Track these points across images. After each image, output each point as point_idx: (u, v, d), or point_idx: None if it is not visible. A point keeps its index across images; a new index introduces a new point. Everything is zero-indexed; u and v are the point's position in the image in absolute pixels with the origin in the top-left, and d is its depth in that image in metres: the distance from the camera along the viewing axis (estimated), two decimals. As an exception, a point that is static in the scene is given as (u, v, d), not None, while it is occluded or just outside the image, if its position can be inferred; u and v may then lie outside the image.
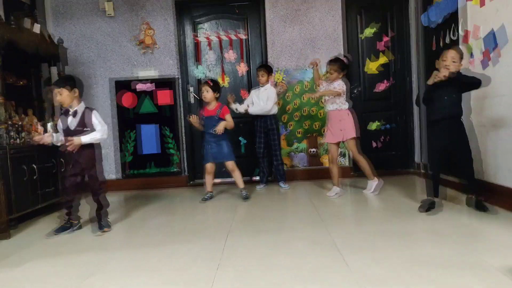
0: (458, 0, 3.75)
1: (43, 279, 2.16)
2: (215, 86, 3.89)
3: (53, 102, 3.03)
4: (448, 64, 2.96)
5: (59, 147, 3.09)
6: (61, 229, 3.04)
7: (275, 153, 4.46)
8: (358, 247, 2.36)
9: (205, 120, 3.87)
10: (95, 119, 3.00)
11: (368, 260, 2.13)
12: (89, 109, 3.05)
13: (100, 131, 2.99)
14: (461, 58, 3.03)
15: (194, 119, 3.88)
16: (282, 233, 2.76)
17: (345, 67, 3.87)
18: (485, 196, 3.05)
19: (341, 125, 3.82)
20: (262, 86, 4.37)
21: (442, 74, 2.92)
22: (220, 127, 3.77)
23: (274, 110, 4.40)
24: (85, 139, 2.93)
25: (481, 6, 3.37)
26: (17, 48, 3.42)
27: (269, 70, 4.39)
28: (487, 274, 1.87)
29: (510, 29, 3.00)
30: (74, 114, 2.99)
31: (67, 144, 2.90)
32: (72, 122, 2.99)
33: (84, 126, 2.98)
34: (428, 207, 3.04)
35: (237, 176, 3.96)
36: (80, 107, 3.01)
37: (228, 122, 3.85)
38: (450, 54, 2.98)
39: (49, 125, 4.10)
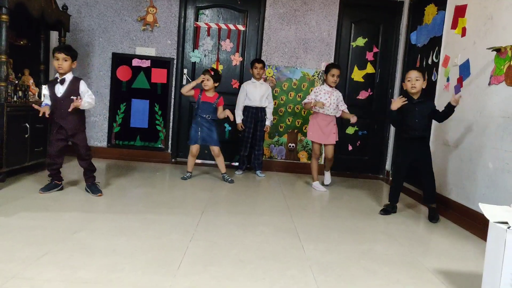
0: (443, 26, 4.04)
1: (32, 229, 2.38)
2: (216, 75, 4.14)
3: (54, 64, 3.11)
4: (414, 83, 3.29)
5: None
6: (46, 188, 3.24)
7: (259, 143, 4.75)
8: (316, 237, 2.66)
9: (201, 104, 4.09)
10: (83, 87, 3.15)
11: (322, 249, 2.44)
12: (76, 78, 3.19)
13: (90, 98, 3.14)
14: (423, 76, 3.39)
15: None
16: (251, 216, 3.04)
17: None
18: (437, 209, 3.40)
19: (335, 128, 4.25)
20: (257, 81, 4.65)
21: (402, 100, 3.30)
22: (228, 113, 4.05)
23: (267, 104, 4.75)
24: (85, 104, 3.09)
25: (462, 36, 3.67)
26: (23, 11, 3.56)
27: (265, 65, 4.71)
28: (419, 272, 2.19)
29: (479, 62, 3.31)
30: (62, 82, 3.12)
31: (72, 104, 3.02)
32: (59, 89, 3.12)
33: (71, 94, 3.11)
34: (389, 211, 3.41)
35: (221, 161, 4.23)
36: (68, 75, 3.14)
37: (220, 113, 4.12)
38: (414, 74, 3.32)
39: (43, 87, 4.25)
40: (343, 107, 4.28)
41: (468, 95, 3.46)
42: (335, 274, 2.09)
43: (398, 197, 3.48)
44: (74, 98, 3.07)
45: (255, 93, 4.64)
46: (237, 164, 4.96)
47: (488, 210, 1.70)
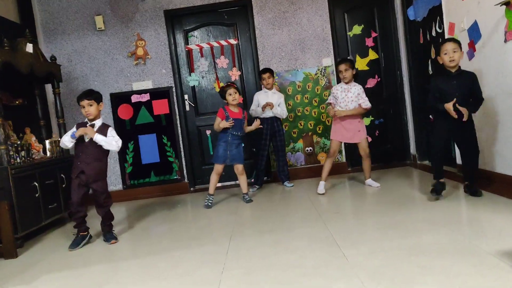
0: (441, -7, 3.83)
1: (54, 293, 2.22)
2: (238, 88, 3.95)
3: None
4: (452, 56, 2.97)
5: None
6: (75, 244, 3.09)
7: (282, 154, 4.53)
8: (356, 240, 2.44)
9: (233, 121, 3.87)
10: (110, 134, 3.10)
11: (366, 253, 2.21)
12: (105, 124, 3.16)
13: (114, 141, 3.09)
14: (460, 46, 3.04)
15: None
16: (282, 232, 2.83)
17: (354, 64, 3.95)
18: (480, 183, 3.14)
19: (360, 125, 3.91)
20: (269, 90, 4.44)
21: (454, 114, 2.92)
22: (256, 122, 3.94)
23: (283, 115, 4.53)
24: (99, 137, 3.02)
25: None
26: (12, 69, 3.48)
27: (273, 73, 4.51)
28: (481, 259, 1.95)
29: (488, 22, 3.09)
30: (92, 127, 3.07)
31: (84, 129, 2.99)
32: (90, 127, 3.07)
33: None
34: (440, 188, 3.10)
35: (244, 180, 4.00)
36: (98, 122, 3.11)
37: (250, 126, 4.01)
38: (450, 46, 2.98)
39: (47, 142, 4.17)
40: (361, 101, 3.89)
41: (484, 58, 3.23)
42: (387, 278, 1.86)
43: (442, 172, 3.15)
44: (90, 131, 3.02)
45: (267, 101, 4.40)
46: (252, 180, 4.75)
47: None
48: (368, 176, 4.02)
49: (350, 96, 3.88)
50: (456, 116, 2.90)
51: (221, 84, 5.06)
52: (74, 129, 3.10)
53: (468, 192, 3.10)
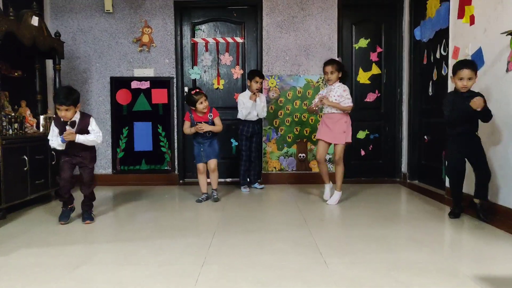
0: (449, 17, 3.87)
1: (31, 268, 2.20)
2: (205, 94, 3.92)
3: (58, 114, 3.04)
4: (466, 84, 2.98)
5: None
6: (64, 217, 3.14)
7: (258, 156, 4.62)
8: (339, 250, 2.44)
9: (198, 124, 3.86)
10: (91, 126, 3.10)
11: (347, 262, 2.22)
12: (85, 115, 3.14)
13: (95, 136, 3.09)
14: (476, 72, 3.04)
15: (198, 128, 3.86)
16: (267, 233, 2.83)
17: (342, 67, 3.85)
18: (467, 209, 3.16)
19: (345, 127, 3.75)
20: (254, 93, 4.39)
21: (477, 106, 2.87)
22: (206, 127, 3.82)
23: (264, 115, 4.55)
24: (80, 138, 3.02)
25: (470, 25, 3.49)
26: (14, 39, 3.46)
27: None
28: (460, 281, 1.96)
29: (493, 50, 3.12)
30: (73, 124, 3.06)
31: (65, 134, 2.98)
32: (69, 130, 3.05)
33: (82, 132, 3.06)
34: (458, 213, 3.17)
35: (215, 177, 3.98)
36: (76, 116, 3.07)
37: (217, 126, 3.91)
38: (467, 74, 2.97)
39: (42, 117, 4.14)
40: (341, 99, 3.71)
41: (484, 86, 3.26)
42: (365, 289, 1.87)
43: (461, 197, 3.18)
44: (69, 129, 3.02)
45: (258, 105, 4.39)
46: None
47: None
48: (339, 187, 3.79)
49: (332, 95, 3.74)
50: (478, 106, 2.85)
51: (221, 81, 5.07)
52: (55, 129, 3.06)
53: (480, 216, 3.05)
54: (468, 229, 2.89)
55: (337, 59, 3.89)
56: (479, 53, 3.36)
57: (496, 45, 3.11)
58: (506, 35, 2.92)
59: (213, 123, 3.90)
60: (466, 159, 3.11)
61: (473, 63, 3.06)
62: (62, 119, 3.03)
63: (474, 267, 2.14)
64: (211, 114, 3.91)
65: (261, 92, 4.53)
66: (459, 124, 3.06)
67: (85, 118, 3.11)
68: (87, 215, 3.17)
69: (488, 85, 3.21)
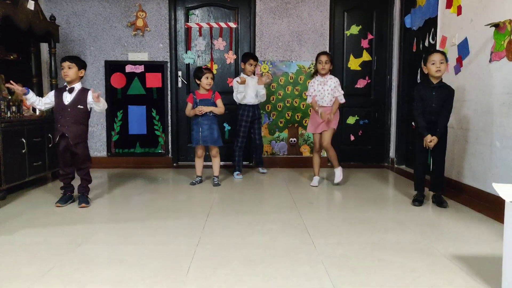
0: (438, 7, 3.97)
1: (35, 245, 2.32)
2: (213, 74, 4.01)
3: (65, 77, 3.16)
4: (439, 66, 3.09)
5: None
6: (63, 200, 3.23)
7: (260, 141, 4.63)
8: (326, 231, 2.60)
9: (200, 103, 3.92)
10: (91, 97, 3.16)
11: (333, 243, 2.37)
12: (84, 89, 3.23)
13: (103, 103, 3.22)
14: (446, 59, 3.17)
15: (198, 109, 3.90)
16: (258, 215, 2.98)
17: (333, 60, 4.04)
18: (447, 192, 3.33)
19: (334, 115, 3.88)
20: (248, 76, 4.45)
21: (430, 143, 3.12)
22: (206, 109, 3.88)
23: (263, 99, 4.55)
24: (101, 103, 3.17)
25: (457, 15, 3.60)
26: (10, 23, 3.50)
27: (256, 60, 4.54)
28: (435, 259, 2.13)
29: (478, 40, 3.24)
30: (71, 90, 3.16)
31: (95, 95, 3.09)
32: (66, 97, 3.15)
33: (78, 103, 3.15)
34: (421, 200, 3.29)
35: (217, 163, 4.07)
36: (77, 85, 3.19)
37: (219, 107, 3.96)
38: (438, 57, 3.10)
39: (50, 92, 4.19)
40: (337, 93, 3.93)
41: (469, 74, 3.39)
42: (349, 267, 2.03)
43: (423, 184, 3.33)
44: (93, 94, 3.12)
45: (248, 89, 4.41)
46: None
47: (502, 190, 1.63)
48: (336, 165, 4.02)
49: (326, 89, 3.91)
50: (430, 146, 3.13)
51: (215, 66, 5.14)
52: (51, 95, 3.20)
53: (435, 203, 3.28)
54: (447, 213, 3.06)
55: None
56: (464, 43, 3.48)
57: (481, 36, 3.23)
58: (490, 27, 3.04)
59: (214, 105, 3.97)
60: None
61: (442, 51, 3.20)
62: (63, 78, 3.15)
63: (449, 246, 2.31)
64: (214, 95, 3.98)
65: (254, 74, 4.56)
66: (429, 114, 3.16)
67: (84, 90, 3.20)
68: (83, 198, 3.24)
69: (473, 74, 3.34)
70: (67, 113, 3.12)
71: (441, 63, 3.10)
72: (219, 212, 3.04)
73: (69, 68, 3.13)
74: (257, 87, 4.47)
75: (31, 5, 3.71)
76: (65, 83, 3.21)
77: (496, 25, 2.98)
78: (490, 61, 3.10)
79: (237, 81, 4.39)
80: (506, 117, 2.91)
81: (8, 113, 3.56)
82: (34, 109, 4.14)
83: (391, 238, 2.47)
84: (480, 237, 2.51)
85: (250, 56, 4.49)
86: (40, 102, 3.19)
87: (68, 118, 3.12)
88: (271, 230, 2.61)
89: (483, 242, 2.42)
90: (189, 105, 3.97)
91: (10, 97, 3.79)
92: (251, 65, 4.44)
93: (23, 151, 3.60)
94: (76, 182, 3.32)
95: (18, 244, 2.36)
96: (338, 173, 4.04)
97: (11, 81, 3.11)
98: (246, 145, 4.61)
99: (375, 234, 2.55)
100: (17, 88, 3.06)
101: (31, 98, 3.14)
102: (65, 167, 3.23)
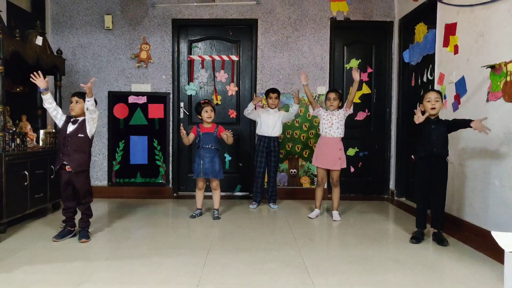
0: (435, 44, 4.07)
1: (35, 284, 2.32)
2: (214, 107, 4.08)
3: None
4: (434, 104, 3.14)
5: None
6: (60, 236, 3.22)
7: (273, 175, 4.59)
8: (325, 270, 2.59)
9: (203, 136, 3.97)
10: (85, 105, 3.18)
11: (333, 284, 2.37)
12: (86, 119, 3.26)
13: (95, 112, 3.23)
14: (442, 97, 3.23)
15: (183, 132, 3.95)
16: (258, 252, 2.97)
17: (342, 97, 4.18)
18: (447, 229, 3.32)
19: (340, 153, 4.00)
20: (271, 109, 4.51)
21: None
22: (230, 136, 3.92)
23: (280, 132, 4.59)
24: (88, 102, 3.14)
25: (454, 54, 3.68)
26: (19, 58, 3.58)
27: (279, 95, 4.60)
28: (436, 303, 2.12)
29: (475, 79, 3.31)
30: (75, 122, 3.24)
31: (86, 85, 3.12)
32: (69, 127, 3.23)
33: (78, 132, 3.21)
34: (420, 238, 3.26)
35: (217, 196, 4.07)
36: (81, 118, 3.26)
37: (229, 136, 3.96)
38: (434, 95, 3.16)
39: (42, 132, 4.25)
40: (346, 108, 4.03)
41: (466, 112, 3.45)
42: (349, 311, 2.02)
43: (425, 220, 3.30)
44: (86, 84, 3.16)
45: (268, 120, 4.45)
46: (239, 193, 4.88)
47: (501, 239, 1.65)
48: (336, 207, 4.08)
49: (334, 119, 3.99)
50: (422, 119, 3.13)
51: (219, 97, 5.22)
52: (63, 116, 3.28)
53: (435, 241, 3.24)
54: (449, 251, 3.05)
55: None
56: (462, 82, 3.55)
57: (478, 75, 3.30)
58: (486, 68, 3.11)
59: (217, 138, 4.00)
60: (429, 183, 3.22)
61: (439, 91, 3.27)
62: (70, 111, 3.25)
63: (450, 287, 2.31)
64: (217, 130, 4.01)
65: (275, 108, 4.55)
66: (430, 146, 3.16)
67: (85, 120, 3.23)
68: (83, 233, 3.23)
69: (470, 112, 3.39)
70: (68, 142, 3.18)
71: (436, 101, 3.15)
72: (219, 249, 3.04)
73: (77, 103, 3.23)
74: (278, 121, 4.49)
75: (39, 41, 3.81)
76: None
77: (492, 67, 3.05)
78: (487, 100, 3.17)
79: (253, 100, 4.56)
80: (504, 157, 2.95)
81: (13, 145, 3.59)
82: (37, 140, 4.19)
83: (392, 279, 2.46)
84: (484, 279, 2.50)
85: (269, 90, 4.57)
86: (53, 107, 3.22)
87: (70, 147, 3.17)
88: (271, 269, 2.61)
89: (487, 285, 2.41)
90: (191, 135, 4.01)
91: (14, 128, 3.84)
92: (271, 98, 4.50)
93: (26, 183, 3.63)
94: (78, 216, 3.33)
95: (17, 283, 2.35)
96: (337, 216, 4.05)
97: (35, 73, 3.18)
98: (263, 176, 4.58)
99: (375, 274, 2.55)
100: (41, 79, 3.17)
101: (49, 98, 3.21)
102: (67, 201, 3.25)
